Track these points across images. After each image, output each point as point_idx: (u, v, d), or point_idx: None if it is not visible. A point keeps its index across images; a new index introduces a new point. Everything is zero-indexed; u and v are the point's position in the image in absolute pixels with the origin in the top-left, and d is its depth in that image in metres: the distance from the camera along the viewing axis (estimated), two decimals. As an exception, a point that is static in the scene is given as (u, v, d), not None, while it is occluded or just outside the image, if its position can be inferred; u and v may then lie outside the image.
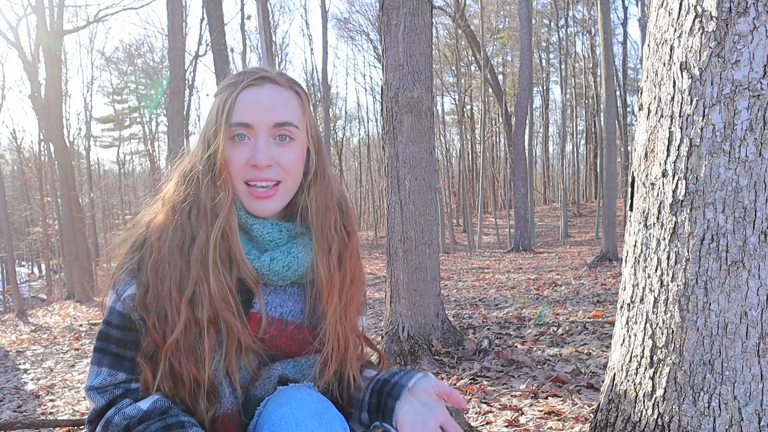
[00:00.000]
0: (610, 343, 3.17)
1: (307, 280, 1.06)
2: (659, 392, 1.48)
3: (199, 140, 1.03)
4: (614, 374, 1.65)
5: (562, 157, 25.98)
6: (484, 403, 2.73)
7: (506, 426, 2.40)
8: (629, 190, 1.67)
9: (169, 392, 0.96)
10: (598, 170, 23.64)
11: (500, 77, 26.77)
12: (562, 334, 4.23)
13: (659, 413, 1.47)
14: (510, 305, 6.17)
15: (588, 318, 4.85)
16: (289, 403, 0.92)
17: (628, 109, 23.67)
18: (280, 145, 1.01)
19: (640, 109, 1.63)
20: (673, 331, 1.46)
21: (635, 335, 1.57)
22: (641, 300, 1.56)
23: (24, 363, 5.72)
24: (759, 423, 1.35)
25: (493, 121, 31.27)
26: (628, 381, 1.58)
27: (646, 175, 1.56)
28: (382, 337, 3.79)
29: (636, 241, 1.60)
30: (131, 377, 0.97)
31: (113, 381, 0.97)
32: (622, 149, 22.28)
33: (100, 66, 34.51)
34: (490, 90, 21.97)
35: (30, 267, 36.42)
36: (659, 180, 1.50)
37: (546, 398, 2.74)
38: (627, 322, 1.62)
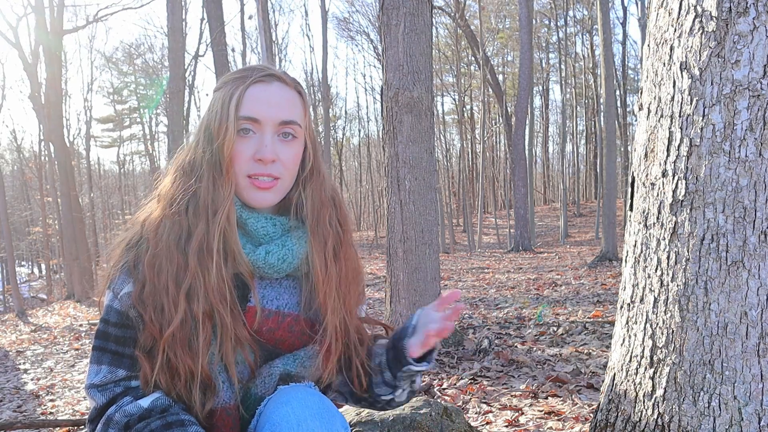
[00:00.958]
0: (610, 343, 3.17)
1: (302, 272, 1.07)
2: (659, 392, 1.48)
3: (200, 133, 1.03)
4: (614, 374, 1.65)
5: (562, 157, 25.98)
6: (484, 403, 2.73)
7: (506, 426, 2.40)
8: (629, 190, 1.67)
9: (166, 385, 0.97)
10: (598, 170, 23.63)
11: (500, 77, 26.77)
12: (562, 334, 4.23)
13: (659, 413, 1.47)
14: (510, 305, 6.17)
15: (588, 318, 4.85)
16: (290, 402, 0.93)
17: (628, 109, 23.68)
18: (283, 142, 1.03)
19: (640, 109, 1.63)
20: (673, 331, 1.46)
21: (635, 335, 1.57)
22: (641, 300, 1.56)
23: (24, 363, 5.72)
24: (759, 423, 1.35)
25: (493, 121, 31.22)
26: (628, 381, 1.58)
27: (646, 175, 1.56)
28: (382, 337, 3.79)
29: (636, 241, 1.60)
30: (131, 374, 0.98)
31: (113, 378, 0.98)
32: (622, 149, 22.30)
33: (100, 66, 34.45)
34: (490, 90, 21.95)
35: (30, 267, 36.39)
36: (659, 180, 1.50)
37: (546, 398, 2.74)
38: (627, 322, 1.62)
